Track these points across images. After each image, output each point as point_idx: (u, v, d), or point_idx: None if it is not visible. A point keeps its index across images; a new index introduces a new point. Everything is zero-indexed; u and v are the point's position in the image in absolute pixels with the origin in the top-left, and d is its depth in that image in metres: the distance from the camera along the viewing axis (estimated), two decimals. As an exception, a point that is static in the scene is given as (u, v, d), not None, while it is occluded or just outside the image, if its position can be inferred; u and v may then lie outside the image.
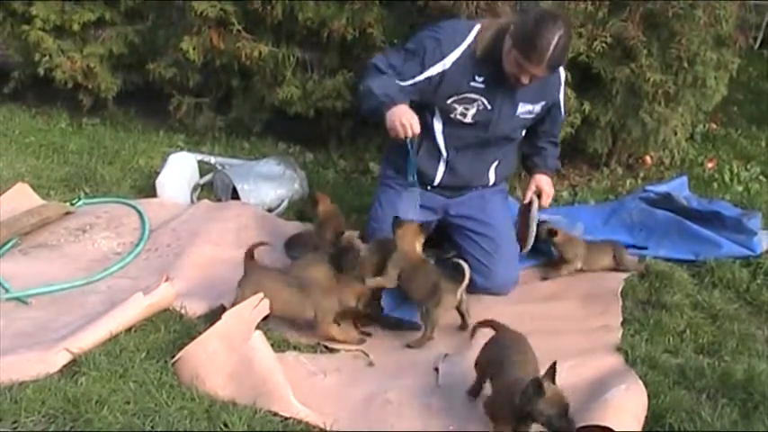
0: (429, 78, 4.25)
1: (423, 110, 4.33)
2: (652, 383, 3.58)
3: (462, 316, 4.10)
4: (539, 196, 4.65)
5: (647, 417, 3.34)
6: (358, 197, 5.76)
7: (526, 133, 4.67)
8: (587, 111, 6.02)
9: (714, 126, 8.20)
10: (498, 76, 4.22)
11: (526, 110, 4.42)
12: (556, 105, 4.58)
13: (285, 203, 5.62)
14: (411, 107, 4.20)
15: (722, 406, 3.47)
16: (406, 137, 4.13)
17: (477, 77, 4.25)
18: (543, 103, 4.45)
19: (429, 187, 4.60)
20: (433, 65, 4.23)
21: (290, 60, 6.52)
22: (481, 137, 4.45)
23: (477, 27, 4.28)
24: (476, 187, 4.68)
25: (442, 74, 4.24)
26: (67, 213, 5.10)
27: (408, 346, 3.99)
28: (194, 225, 4.97)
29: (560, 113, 4.69)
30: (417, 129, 4.14)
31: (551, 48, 3.93)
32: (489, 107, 4.32)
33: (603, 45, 5.75)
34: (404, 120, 4.08)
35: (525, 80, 4.12)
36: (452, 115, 4.36)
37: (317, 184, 6.03)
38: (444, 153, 4.49)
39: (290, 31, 6.54)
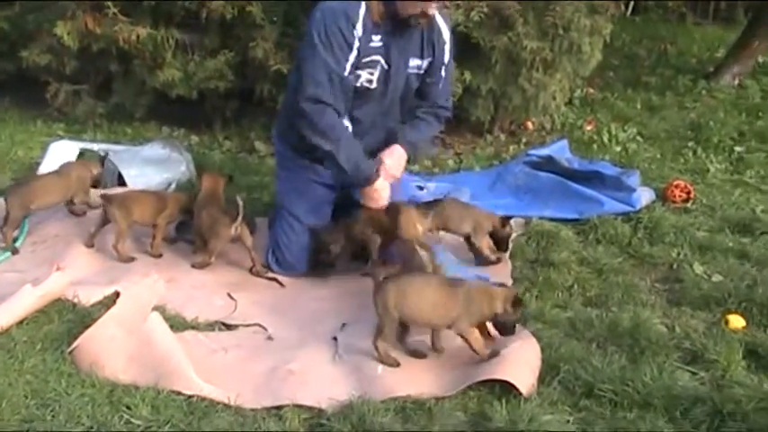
0: (358, 50, 4.12)
1: None
2: (545, 337, 3.70)
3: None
4: None
5: (542, 368, 3.45)
6: (246, 176, 5.78)
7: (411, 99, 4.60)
8: (468, 80, 6.15)
9: (591, 91, 8.50)
10: (393, 32, 4.18)
11: (415, 65, 4.36)
12: (441, 64, 4.45)
13: (173, 187, 5.56)
14: None
15: (611, 353, 3.61)
16: None
17: (374, 37, 4.15)
18: (430, 59, 4.39)
19: None
20: (353, 38, 4.09)
21: (170, 42, 6.46)
22: (383, 102, 4.40)
23: None
24: (375, 156, 4.57)
25: (359, 41, 4.11)
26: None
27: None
28: (82, 213, 4.91)
29: (442, 75, 4.49)
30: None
31: None
32: (387, 67, 4.26)
33: (481, 15, 5.89)
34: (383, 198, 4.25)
35: (432, 10, 4.06)
36: (359, 83, 4.24)
37: (203, 166, 5.99)
38: (347, 123, 4.40)
39: (168, 13, 6.49)
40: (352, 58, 4.10)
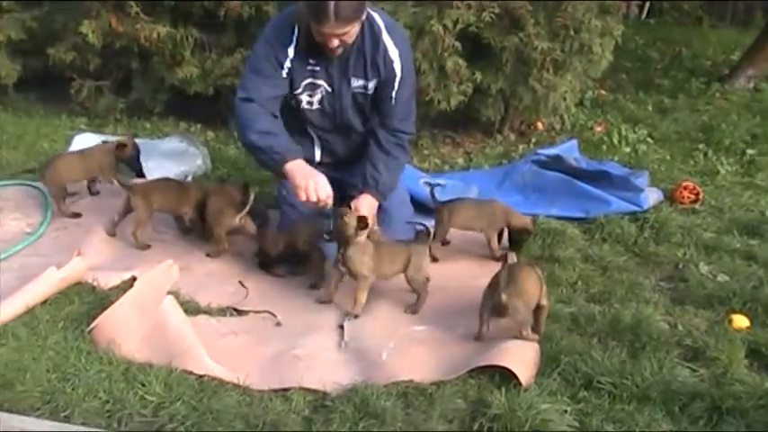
0: (288, 71, 4.24)
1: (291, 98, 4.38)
2: (547, 331, 3.79)
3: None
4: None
5: (542, 359, 3.55)
6: (259, 170, 5.79)
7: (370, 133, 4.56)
8: (479, 80, 6.22)
9: (603, 92, 8.51)
10: (325, 57, 4.24)
11: (360, 84, 4.37)
12: (392, 80, 4.35)
13: (189, 179, 5.67)
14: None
15: (612, 348, 3.68)
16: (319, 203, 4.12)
17: (311, 61, 4.25)
18: (376, 80, 4.36)
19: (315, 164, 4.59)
20: (284, 60, 4.21)
21: (188, 41, 6.64)
22: (334, 121, 4.48)
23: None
24: (358, 162, 4.64)
25: (291, 67, 4.23)
26: None
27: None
28: (101, 202, 5.08)
29: (394, 89, 4.37)
30: (328, 194, 4.11)
31: (332, 1, 3.89)
32: (331, 90, 4.35)
33: (492, 15, 5.97)
34: (310, 185, 4.06)
35: (333, 44, 4.07)
36: (302, 105, 4.39)
37: (219, 160, 6.16)
38: (314, 135, 4.55)
39: (187, 12, 6.65)
40: (284, 73, 4.23)
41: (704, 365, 3.60)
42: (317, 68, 4.28)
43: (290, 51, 4.20)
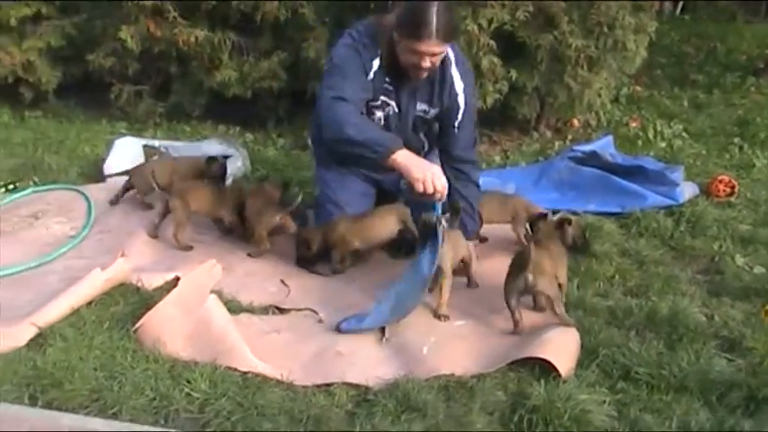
0: (372, 82, 4.29)
1: None
2: (585, 324, 3.82)
3: None
4: None
5: (581, 352, 3.58)
6: (298, 171, 5.95)
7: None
8: (514, 78, 6.26)
9: (638, 88, 8.50)
10: (401, 78, 4.32)
11: (422, 108, 4.45)
12: (456, 110, 4.44)
13: (229, 181, 5.64)
14: None
15: (649, 340, 3.71)
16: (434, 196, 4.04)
17: (387, 80, 4.32)
18: (438, 108, 4.46)
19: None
20: (370, 69, 4.26)
21: (226, 44, 6.73)
22: None
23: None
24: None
25: (373, 78, 4.28)
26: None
27: None
28: (141, 205, 5.20)
29: (458, 119, 4.46)
30: (443, 185, 4.02)
31: (434, 16, 3.93)
32: (398, 111, 4.43)
33: (526, 14, 6.02)
34: (428, 177, 3.98)
35: (426, 63, 4.11)
36: (373, 117, 4.41)
37: (258, 162, 6.23)
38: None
39: (225, 16, 6.73)
40: (370, 78, 4.27)
41: (741, 356, 3.61)
42: (390, 88, 4.35)
43: (375, 63, 4.25)
